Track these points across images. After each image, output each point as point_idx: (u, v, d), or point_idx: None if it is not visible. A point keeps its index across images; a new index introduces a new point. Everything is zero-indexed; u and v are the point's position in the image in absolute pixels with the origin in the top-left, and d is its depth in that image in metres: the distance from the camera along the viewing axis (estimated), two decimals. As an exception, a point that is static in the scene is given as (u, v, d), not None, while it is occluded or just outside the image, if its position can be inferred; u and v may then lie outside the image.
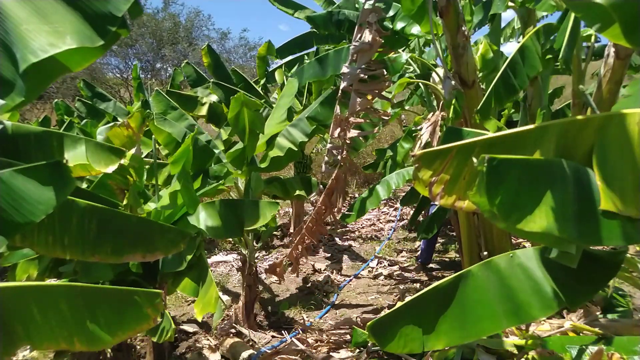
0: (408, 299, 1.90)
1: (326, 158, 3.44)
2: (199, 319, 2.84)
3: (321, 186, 3.50)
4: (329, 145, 3.44)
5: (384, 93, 3.41)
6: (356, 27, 3.30)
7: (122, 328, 1.68)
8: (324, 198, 3.40)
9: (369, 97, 3.27)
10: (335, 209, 3.47)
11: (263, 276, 5.57)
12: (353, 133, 3.29)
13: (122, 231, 2.06)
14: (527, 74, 3.15)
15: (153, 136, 3.67)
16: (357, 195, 9.10)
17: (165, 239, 2.19)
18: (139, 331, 1.73)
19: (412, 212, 7.94)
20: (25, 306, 1.59)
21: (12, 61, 1.27)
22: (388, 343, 1.83)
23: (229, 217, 3.10)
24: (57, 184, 1.59)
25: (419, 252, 5.75)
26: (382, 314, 1.89)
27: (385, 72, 3.33)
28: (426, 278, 5.30)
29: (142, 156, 3.64)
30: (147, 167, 3.45)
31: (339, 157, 3.36)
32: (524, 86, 3.22)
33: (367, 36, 3.17)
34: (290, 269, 3.70)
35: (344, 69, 3.28)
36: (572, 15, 2.98)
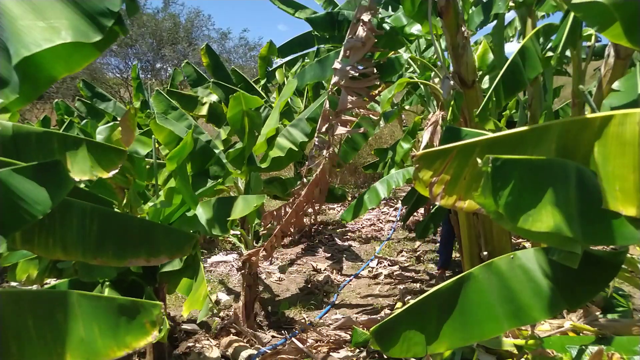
0: (410, 302, 1.90)
1: (312, 152, 3.43)
2: (184, 316, 2.82)
3: (304, 180, 3.49)
4: (315, 140, 3.42)
5: (377, 97, 3.40)
6: (351, 24, 3.29)
7: (118, 344, 1.61)
8: (307, 190, 3.38)
9: (362, 97, 3.27)
10: (316, 202, 3.46)
11: (263, 276, 5.57)
12: (341, 130, 3.28)
13: (124, 233, 2.04)
14: (528, 76, 3.14)
15: (153, 136, 3.67)
16: (357, 195, 9.10)
17: (170, 242, 2.17)
18: (136, 347, 1.64)
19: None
20: (21, 318, 1.53)
21: (7, 57, 1.26)
22: (391, 348, 1.83)
23: (222, 214, 3.10)
24: (55, 183, 1.58)
25: (438, 260, 5.44)
26: (384, 318, 1.89)
27: (376, 70, 3.32)
28: (427, 278, 5.30)
29: (142, 155, 3.64)
30: (147, 167, 3.45)
31: (324, 152, 3.34)
32: (522, 87, 3.22)
33: (361, 33, 3.16)
34: (265, 257, 3.65)
35: (336, 64, 3.27)
36: (572, 15, 2.98)
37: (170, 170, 3.01)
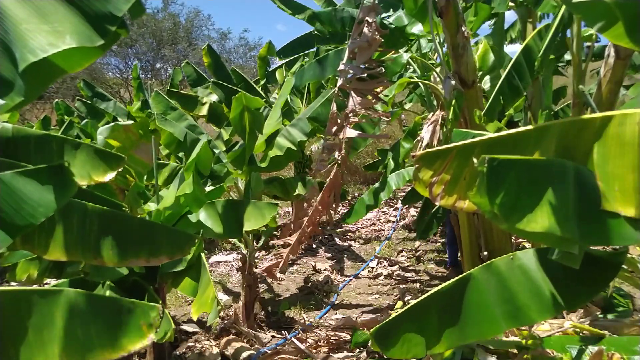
0: (410, 303, 1.90)
1: (321, 156, 3.42)
2: (194, 318, 2.83)
3: (316, 185, 3.49)
4: (324, 143, 3.42)
5: (381, 95, 3.40)
6: (355, 24, 3.29)
7: (114, 346, 1.59)
8: (322, 197, 3.38)
9: (369, 98, 3.27)
10: (332, 208, 3.46)
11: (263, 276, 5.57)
12: (352, 133, 3.27)
13: (124, 233, 2.04)
14: (531, 75, 3.14)
15: (153, 136, 3.67)
16: (357, 195, 9.09)
17: (170, 242, 2.16)
18: (131, 349, 1.61)
19: (413, 212, 7.96)
20: (18, 319, 1.52)
21: (12, 61, 1.26)
22: (391, 349, 1.83)
23: (229, 218, 3.09)
24: (59, 186, 1.59)
25: (447, 260, 5.51)
26: (384, 318, 1.88)
27: (383, 70, 3.32)
28: (427, 278, 5.30)
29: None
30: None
31: (336, 156, 3.34)
32: (527, 87, 3.22)
33: (366, 34, 3.16)
34: (281, 268, 3.64)
35: (341, 66, 3.27)
36: (558, 18, 2.99)
37: (188, 179, 2.95)
